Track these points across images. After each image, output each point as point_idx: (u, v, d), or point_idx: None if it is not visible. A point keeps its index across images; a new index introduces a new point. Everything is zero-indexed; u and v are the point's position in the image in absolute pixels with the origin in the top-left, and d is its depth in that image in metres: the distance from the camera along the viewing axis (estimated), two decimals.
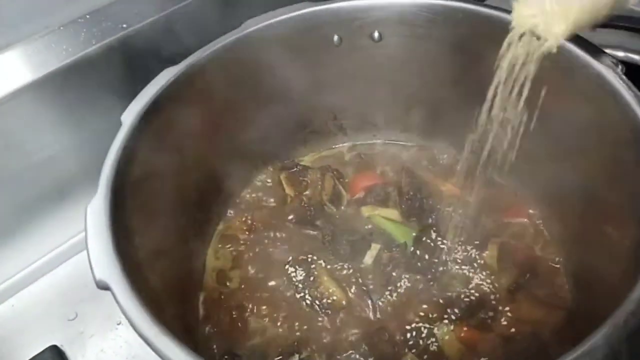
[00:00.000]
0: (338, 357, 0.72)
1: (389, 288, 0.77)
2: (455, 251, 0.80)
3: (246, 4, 0.84)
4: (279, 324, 0.76)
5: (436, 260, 0.78)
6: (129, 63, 0.85)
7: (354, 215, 0.87)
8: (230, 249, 0.85)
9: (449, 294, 0.76)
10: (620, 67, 0.64)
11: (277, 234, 0.85)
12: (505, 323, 0.73)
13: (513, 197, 0.87)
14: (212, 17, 0.88)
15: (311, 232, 0.85)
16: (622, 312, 0.48)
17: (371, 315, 0.76)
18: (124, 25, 0.84)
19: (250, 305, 0.78)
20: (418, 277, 0.77)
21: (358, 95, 0.90)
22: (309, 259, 0.80)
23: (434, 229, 0.81)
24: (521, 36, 0.57)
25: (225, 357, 0.72)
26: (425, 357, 0.71)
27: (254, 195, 0.92)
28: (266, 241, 0.85)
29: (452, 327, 0.73)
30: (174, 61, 0.73)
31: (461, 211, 0.81)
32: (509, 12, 0.59)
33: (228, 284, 0.82)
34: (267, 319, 0.77)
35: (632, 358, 0.57)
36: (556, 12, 0.54)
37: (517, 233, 0.83)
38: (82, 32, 0.82)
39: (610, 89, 0.63)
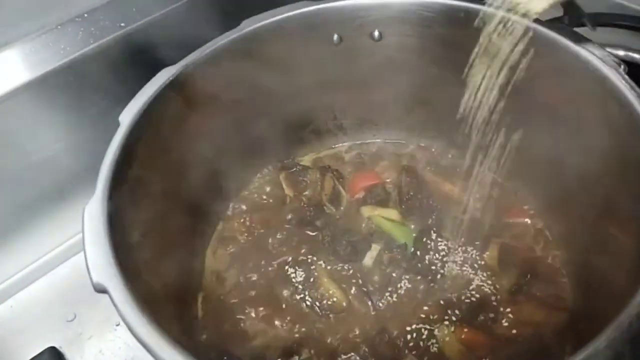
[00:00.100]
0: (338, 358, 0.72)
1: (390, 289, 0.77)
2: (456, 252, 0.79)
3: (245, 3, 0.84)
4: (278, 325, 0.76)
5: (437, 261, 0.78)
6: (127, 62, 0.85)
7: (354, 215, 0.87)
8: (230, 249, 0.85)
9: (450, 295, 0.76)
10: (622, 66, 0.64)
11: (277, 234, 0.84)
12: (506, 324, 0.73)
13: (514, 197, 0.86)
14: (210, 16, 0.88)
15: (311, 232, 0.84)
16: (627, 315, 0.48)
17: (371, 316, 0.75)
18: (122, 24, 0.83)
19: (249, 307, 0.78)
20: (418, 278, 0.77)
21: (358, 94, 0.90)
22: (309, 260, 0.80)
23: (434, 229, 0.81)
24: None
25: (225, 358, 0.72)
26: (426, 358, 0.71)
27: (253, 195, 0.92)
28: (265, 242, 0.84)
29: (452, 329, 0.72)
30: (172, 61, 0.72)
31: (461, 211, 0.81)
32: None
33: (227, 285, 0.81)
34: (266, 321, 0.76)
35: None
36: None
37: (518, 233, 0.83)
38: (80, 31, 0.82)
39: (612, 88, 0.63)
